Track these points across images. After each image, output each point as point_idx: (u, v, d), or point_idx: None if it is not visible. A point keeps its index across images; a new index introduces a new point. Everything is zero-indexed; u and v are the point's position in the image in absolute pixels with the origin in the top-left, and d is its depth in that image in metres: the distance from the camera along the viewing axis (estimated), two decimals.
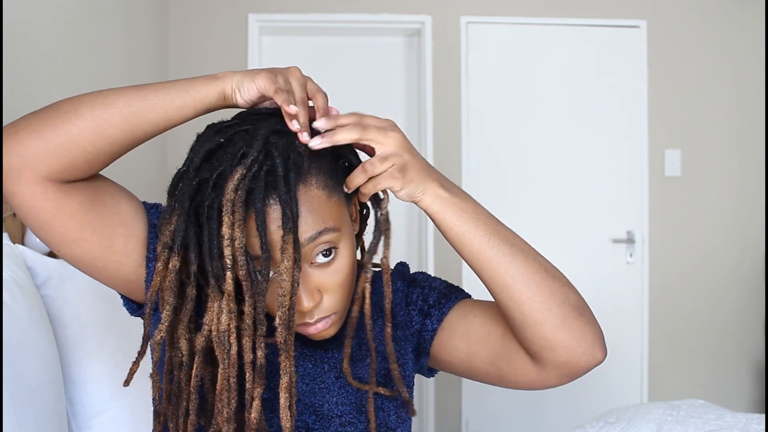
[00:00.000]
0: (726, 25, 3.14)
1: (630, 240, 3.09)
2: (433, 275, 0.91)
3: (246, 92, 0.68)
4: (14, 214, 1.35)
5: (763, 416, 1.18)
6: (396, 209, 3.33)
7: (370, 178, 0.69)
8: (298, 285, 0.65)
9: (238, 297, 0.66)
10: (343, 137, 0.68)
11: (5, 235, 1.23)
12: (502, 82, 3.10)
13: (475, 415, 2.98)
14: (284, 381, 0.65)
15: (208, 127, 0.71)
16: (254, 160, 0.64)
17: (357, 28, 3.09)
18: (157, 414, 0.71)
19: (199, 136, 0.71)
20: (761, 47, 3.14)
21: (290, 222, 0.63)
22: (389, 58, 3.18)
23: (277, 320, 0.64)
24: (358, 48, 3.16)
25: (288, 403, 0.65)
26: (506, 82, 3.11)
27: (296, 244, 0.64)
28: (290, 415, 0.66)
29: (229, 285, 0.64)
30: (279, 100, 0.67)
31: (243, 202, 0.63)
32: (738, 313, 3.13)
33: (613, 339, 3.11)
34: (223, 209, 0.63)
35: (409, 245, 3.15)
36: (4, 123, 1.42)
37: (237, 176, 0.63)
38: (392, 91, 3.18)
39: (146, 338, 0.70)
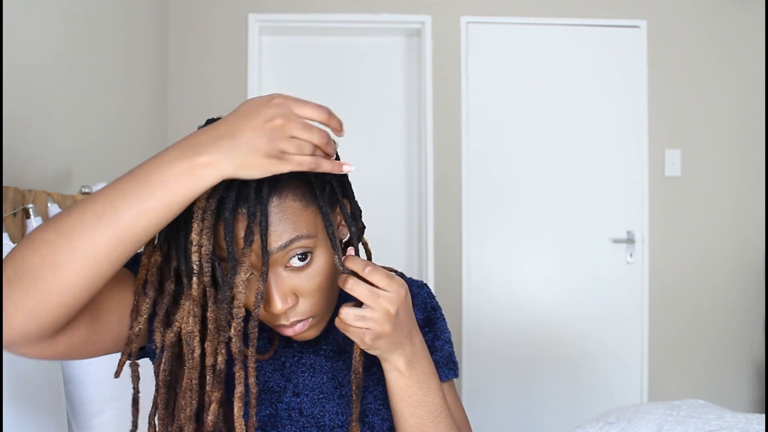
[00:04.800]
0: (726, 25, 3.14)
1: (630, 240, 3.09)
2: (447, 326, 0.91)
3: (255, 176, 0.62)
4: (14, 214, 1.35)
5: (763, 416, 1.18)
6: (396, 210, 3.27)
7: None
8: (262, 298, 0.66)
9: (205, 302, 0.67)
10: (351, 265, 0.69)
11: (5, 235, 1.23)
12: (502, 82, 3.10)
13: (475, 415, 2.98)
14: (238, 390, 0.66)
15: (207, 122, 0.71)
16: None
17: (357, 28, 3.09)
18: (135, 402, 0.73)
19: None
20: (761, 47, 3.14)
21: (252, 236, 0.64)
22: (389, 58, 3.18)
23: (232, 330, 0.65)
24: (358, 48, 3.16)
25: (241, 413, 0.66)
26: (506, 82, 3.11)
27: (265, 257, 0.64)
28: (247, 426, 0.68)
29: (194, 290, 0.65)
30: (326, 170, 0.66)
31: (213, 210, 0.63)
32: (738, 313, 3.13)
33: (613, 339, 3.13)
34: (193, 216, 0.63)
35: (410, 246, 3.15)
36: (5, 124, 1.42)
37: None
38: (392, 91, 3.17)
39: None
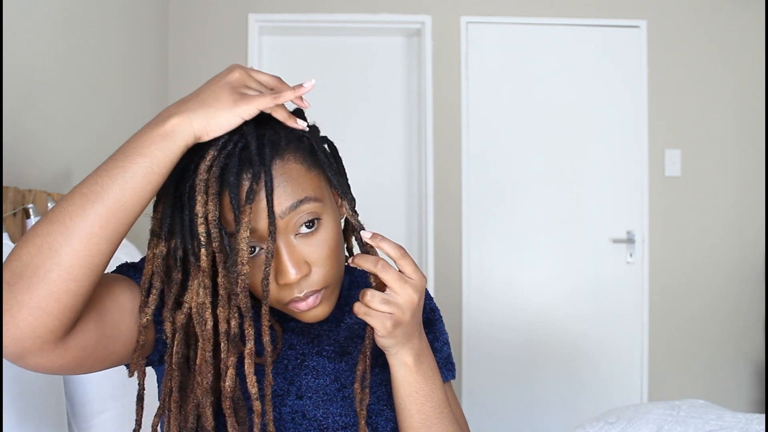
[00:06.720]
0: (726, 25, 3.14)
1: (630, 240, 3.09)
2: (445, 327, 0.91)
3: (225, 127, 0.64)
4: (14, 214, 1.35)
5: (763, 416, 1.18)
6: (396, 210, 3.27)
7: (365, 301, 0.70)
8: (272, 257, 0.66)
9: (214, 271, 0.67)
10: (386, 246, 0.70)
11: (5, 235, 1.23)
12: (502, 82, 3.10)
13: (475, 415, 2.98)
14: (248, 347, 0.66)
15: None
16: (227, 141, 0.66)
17: (357, 28, 3.09)
18: (140, 398, 0.72)
19: None
20: (761, 47, 3.14)
21: (253, 194, 0.64)
22: (389, 58, 3.18)
23: (238, 288, 0.65)
24: (358, 48, 3.16)
25: (252, 369, 0.66)
26: (506, 82, 3.11)
27: (271, 218, 0.65)
28: (266, 383, 0.68)
29: (203, 261, 0.65)
30: (281, 115, 0.68)
31: (217, 178, 0.64)
32: (738, 313, 3.13)
33: (613, 339, 3.13)
34: (196, 189, 0.64)
35: (410, 246, 3.15)
36: (5, 124, 1.42)
37: (209, 157, 0.65)
38: (392, 91, 3.17)
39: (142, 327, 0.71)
